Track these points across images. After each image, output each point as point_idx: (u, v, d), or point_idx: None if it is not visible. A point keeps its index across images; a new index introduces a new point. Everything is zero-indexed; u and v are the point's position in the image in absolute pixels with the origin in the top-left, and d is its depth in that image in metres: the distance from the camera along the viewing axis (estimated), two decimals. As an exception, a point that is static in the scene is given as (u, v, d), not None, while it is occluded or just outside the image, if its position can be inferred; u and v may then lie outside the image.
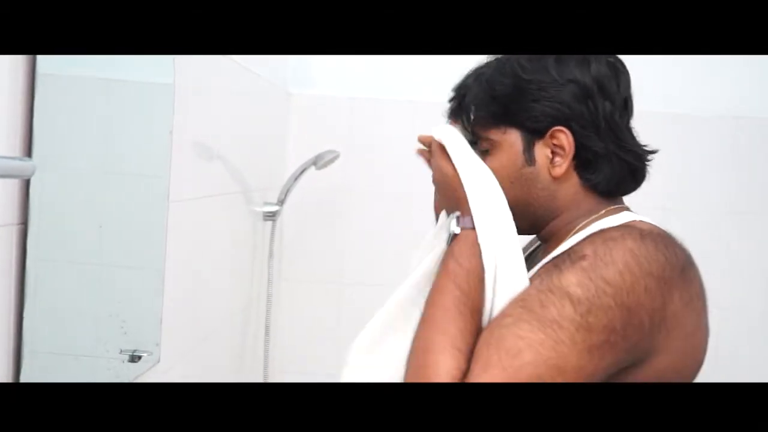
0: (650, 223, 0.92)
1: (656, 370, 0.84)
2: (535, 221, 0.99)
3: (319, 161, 2.11)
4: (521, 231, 1.00)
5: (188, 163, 1.44)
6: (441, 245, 0.92)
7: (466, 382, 0.79)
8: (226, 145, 1.71)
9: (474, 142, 0.98)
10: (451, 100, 1.02)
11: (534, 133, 0.94)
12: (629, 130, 0.97)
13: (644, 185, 0.99)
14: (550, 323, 0.79)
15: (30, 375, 0.90)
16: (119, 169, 1.17)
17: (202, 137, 1.53)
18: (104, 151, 1.10)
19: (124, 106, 1.15)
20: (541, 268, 0.91)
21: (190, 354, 1.56)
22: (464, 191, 0.91)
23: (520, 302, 0.83)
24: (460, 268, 0.88)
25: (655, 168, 0.98)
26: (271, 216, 2.11)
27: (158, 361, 1.32)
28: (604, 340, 0.79)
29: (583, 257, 0.83)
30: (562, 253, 0.88)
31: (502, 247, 0.89)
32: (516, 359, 0.78)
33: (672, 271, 0.83)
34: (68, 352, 1.04)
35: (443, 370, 0.80)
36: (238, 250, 1.95)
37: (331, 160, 2.12)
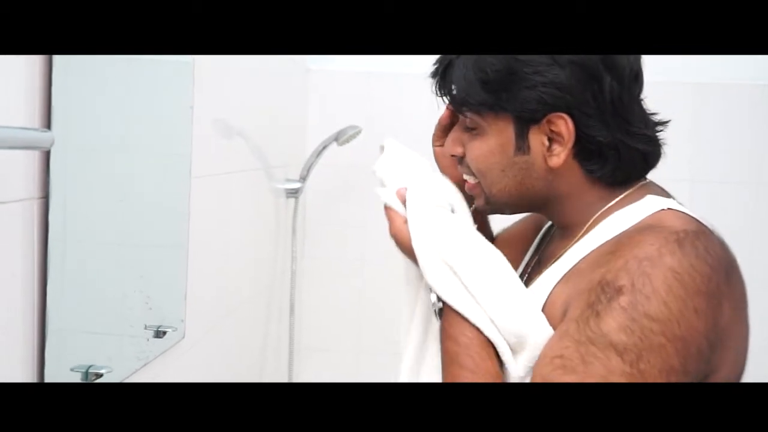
0: (683, 214, 0.80)
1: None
2: (536, 206, 0.92)
3: (340, 137, 2.09)
4: (521, 212, 0.95)
5: (209, 140, 1.43)
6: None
7: None
8: (247, 121, 1.70)
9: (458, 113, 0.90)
10: (434, 74, 0.91)
11: (528, 120, 0.83)
12: (640, 106, 0.86)
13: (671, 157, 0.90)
14: (596, 380, 0.70)
15: (55, 352, 0.90)
16: (141, 145, 1.16)
17: (222, 114, 1.52)
18: (125, 127, 1.10)
19: (145, 82, 1.14)
20: (574, 298, 0.79)
21: (215, 330, 1.56)
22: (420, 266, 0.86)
23: (559, 359, 0.73)
24: (458, 347, 0.81)
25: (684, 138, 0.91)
26: (294, 193, 2.10)
27: (183, 337, 1.33)
28: (663, 382, 0.71)
29: (619, 291, 0.72)
30: (596, 286, 0.75)
31: (488, 303, 0.82)
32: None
33: (718, 279, 0.73)
34: (93, 329, 1.05)
35: None
36: (261, 227, 1.94)
37: (353, 136, 2.11)
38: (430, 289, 0.85)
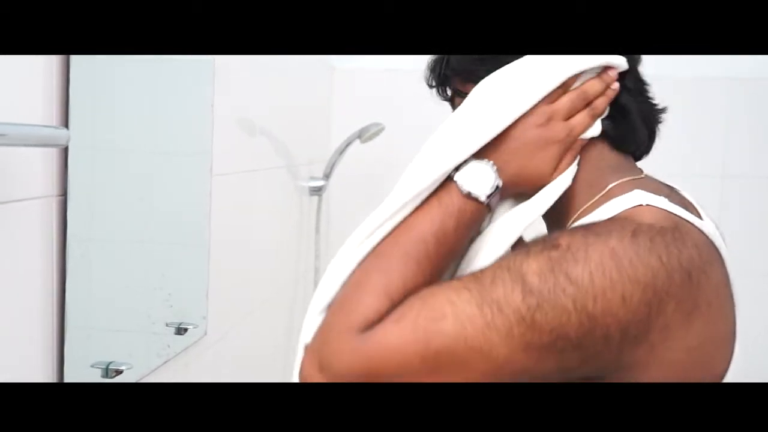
0: (661, 210, 0.75)
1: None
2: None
3: (363, 134, 2.09)
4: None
5: (231, 138, 1.43)
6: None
7: (372, 330, 0.70)
8: (270, 119, 1.70)
9: (448, 99, 0.90)
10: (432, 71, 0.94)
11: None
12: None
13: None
14: (491, 302, 0.68)
15: (75, 349, 0.90)
16: (160, 143, 1.16)
17: (243, 112, 1.52)
18: (144, 125, 1.10)
19: (164, 79, 1.14)
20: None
21: (237, 327, 1.57)
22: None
23: (476, 271, 0.72)
24: (454, 234, 0.77)
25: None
26: (317, 191, 2.10)
27: (205, 334, 1.33)
28: (549, 343, 0.67)
29: (555, 246, 0.70)
30: (540, 237, 0.75)
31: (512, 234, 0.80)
32: (434, 324, 0.68)
33: (668, 277, 0.68)
34: (113, 326, 1.05)
35: (361, 310, 0.71)
36: (285, 225, 1.95)
37: (376, 133, 2.10)
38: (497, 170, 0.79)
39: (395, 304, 0.71)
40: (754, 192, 2.20)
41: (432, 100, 1.05)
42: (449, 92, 0.92)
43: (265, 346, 1.84)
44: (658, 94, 0.94)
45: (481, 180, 0.78)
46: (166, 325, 1.21)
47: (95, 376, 0.98)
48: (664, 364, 0.70)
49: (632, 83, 0.84)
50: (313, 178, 2.10)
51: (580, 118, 0.82)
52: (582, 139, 0.83)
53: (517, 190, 0.82)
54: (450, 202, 0.78)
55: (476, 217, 0.79)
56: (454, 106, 0.91)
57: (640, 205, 0.76)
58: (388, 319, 0.70)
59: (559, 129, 0.81)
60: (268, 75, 1.66)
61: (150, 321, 1.16)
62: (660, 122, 0.87)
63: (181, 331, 1.24)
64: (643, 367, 0.70)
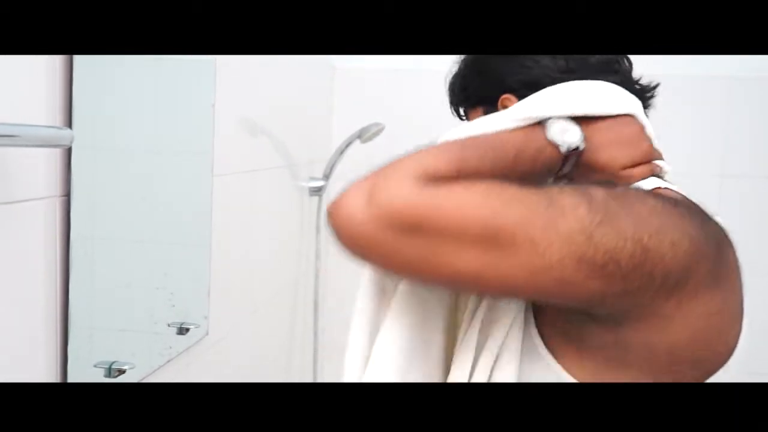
0: (681, 194, 0.81)
1: (669, 342, 0.72)
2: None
3: (364, 134, 2.09)
4: None
5: (232, 137, 1.44)
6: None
7: (442, 185, 0.67)
8: (270, 119, 1.71)
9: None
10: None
11: (490, 105, 0.92)
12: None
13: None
14: (558, 206, 0.67)
15: (78, 349, 0.91)
16: (162, 143, 1.17)
17: (245, 111, 1.53)
18: (146, 125, 1.10)
19: (166, 80, 1.15)
20: None
21: (239, 327, 1.57)
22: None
23: (555, 190, 0.71)
24: (531, 150, 0.78)
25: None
26: (317, 191, 2.11)
27: (206, 334, 1.33)
28: (601, 264, 0.66)
29: (615, 186, 0.73)
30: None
31: None
32: (503, 204, 0.66)
33: (706, 241, 0.71)
34: (116, 326, 1.05)
35: (430, 164, 0.70)
36: (285, 225, 1.95)
37: (376, 133, 2.10)
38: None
39: (464, 172, 0.70)
40: (753, 191, 2.20)
41: (432, 101, 1.10)
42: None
43: (266, 346, 1.84)
44: (657, 92, 0.96)
45: (568, 134, 0.81)
46: (168, 325, 1.21)
47: (98, 376, 0.99)
48: (685, 323, 0.71)
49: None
50: (313, 178, 2.11)
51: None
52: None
53: (589, 172, 0.84)
54: (535, 137, 0.80)
55: (549, 163, 0.80)
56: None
57: (659, 187, 0.81)
58: (458, 182, 0.68)
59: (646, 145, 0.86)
60: (268, 75, 1.66)
61: (152, 321, 1.16)
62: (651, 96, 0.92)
63: (182, 331, 1.24)
64: (666, 321, 0.71)
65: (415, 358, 0.83)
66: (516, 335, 0.79)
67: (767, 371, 1.51)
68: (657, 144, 0.87)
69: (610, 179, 0.83)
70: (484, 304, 0.81)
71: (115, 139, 1.01)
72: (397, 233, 0.66)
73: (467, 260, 0.66)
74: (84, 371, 0.94)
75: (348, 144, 2.11)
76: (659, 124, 0.93)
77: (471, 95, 0.97)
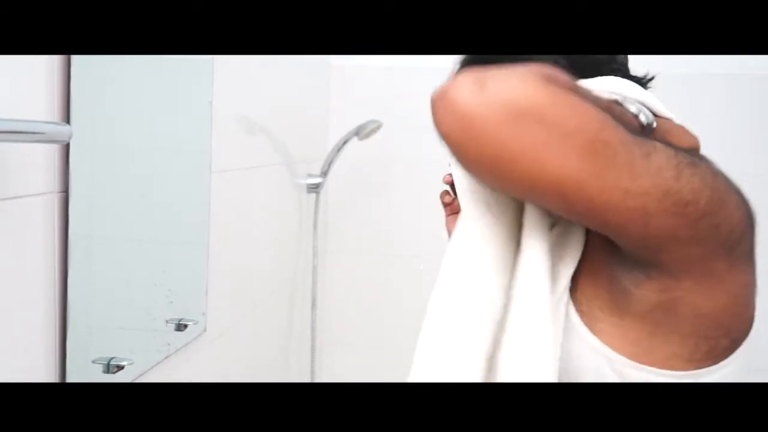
0: None
1: (713, 307, 0.74)
2: None
3: (361, 131, 2.09)
4: None
5: (230, 135, 1.44)
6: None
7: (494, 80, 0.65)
8: (268, 116, 1.71)
9: None
10: None
11: None
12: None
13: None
14: (648, 143, 0.68)
15: (76, 345, 0.91)
16: (160, 140, 1.17)
17: (242, 109, 1.53)
18: (144, 122, 1.10)
19: (164, 77, 1.15)
20: None
21: (237, 324, 1.57)
22: None
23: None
24: (614, 114, 0.72)
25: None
26: (315, 188, 2.11)
27: (204, 331, 1.34)
28: (685, 202, 0.68)
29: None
30: None
31: None
32: (606, 119, 0.67)
33: (749, 214, 0.74)
34: (114, 323, 1.06)
35: (479, 73, 0.66)
36: (283, 222, 1.95)
37: (374, 130, 2.10)
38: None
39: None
40: (752, 190, 2.20)
41: (429, 98, 1.07)
42: None
43: (264, 342, 1.84)
44: (655, 91, 0.97)
45: (642, 114, 0.81)
46: (166, 321, 1.21)
47: (97, 372, 0.99)
48: (729, 288, 0.74)
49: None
50: (310, 176, 2.11)
51: None
52: None
53: None
54: (620, 109, 0.79)
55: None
56: None
57: None
58: (573, 93, 0.68)
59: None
60: (266, 73, 1.67)
61: (150, 317, 1.16)
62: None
63: (181, 327, 1.25)
64: (717, 282, 0.73)
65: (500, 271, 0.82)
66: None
67: (766, 367, 1.52)
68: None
69: None
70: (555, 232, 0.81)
71: (113, 135, 1.01)
72: (513, 120, 0.64)
73: (574, 163, 0.65)
74: (82, 367, 0.94)
75: (345, 141, 2.11)
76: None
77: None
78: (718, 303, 0.74)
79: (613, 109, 0.77)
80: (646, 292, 0.75)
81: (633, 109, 0.81)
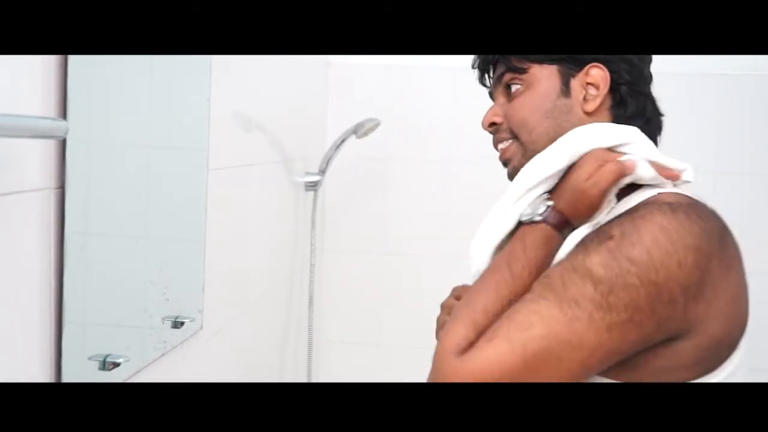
0: (677, 193, 0.89)
1: (711, 337, 0.81)
2: None
3: (359, 130, 2.09)
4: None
5: (227, 132, 1.43)
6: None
7: (468, 353, 0.79)
8: (266, 114, 1.71)
9: (500, 77, 1.00)
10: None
11: (572, 68, 0.96)
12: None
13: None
14: (568, 301, 0.78)
15: (72, 342, 0.91)
16: (157, 137, 1.17)
17: (240, 106, 1.52)
18: (141, 119, 1.10)
19: (161, 74, 1.14)
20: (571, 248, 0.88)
21: (234, 322, 1.57)
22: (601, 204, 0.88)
23: (544, 279, 0.83)
24: (523, 255, 0.86)
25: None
26: (313, 186, 2.11)
27: (201, 328, 1.33)
28: (627, 319, 0.78)
29: (610, 237, 0.81)
30: (591, 233, 0.86)
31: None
32: (524, 332, 0.77)
33: (708, 239, 0.80)
34: (110, 320, 1.05)
35: (454, 338, 0.81)
36: (280, 220, 1.95)
37: (372, 128, 2.10)
38: (547, 206, 0.90)
39: (481, 329, 0.81)
40: (746, 189, 2.20)
41: (428, 96, 1.09)
42: (502, 70, 1.00)
43: (260, 340, 1.84)
44: (655, 90, 0.98)
45: (534, 207, 0.90)
46: (163, 319, 1.21)
47: (92, 369, 0.99)
48: (718, 315, 0.81)
49: (637, 74, 0.96)
50: (308, 174, 2.11)
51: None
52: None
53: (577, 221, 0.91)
54: (518, 232, 0.90)
55: (540, 239, 0.88)
56: (503, 88, 1.01)
57: (661, 192, 0.89)
58: (480, 340, 0.79)
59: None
60: (264, 70, 1.66)
61: (147, 314, 1.16)
62: (659, 116, 0.99)
63: (177, 324, 1.24)
64: (706, 322, 0.80)
65: None
66: None
67: (765, 367, 1.51)
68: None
69: None
70: None
71: (110, 131, 1.00)
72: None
73: (533, 380, 0.77)
74: (78, 364, 0.94)
75: (343, 139, 2.11)
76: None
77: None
78: (715, 332, 0.81)
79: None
80: (649, 357, 0.82)
81: (522, 214, 0.90)
